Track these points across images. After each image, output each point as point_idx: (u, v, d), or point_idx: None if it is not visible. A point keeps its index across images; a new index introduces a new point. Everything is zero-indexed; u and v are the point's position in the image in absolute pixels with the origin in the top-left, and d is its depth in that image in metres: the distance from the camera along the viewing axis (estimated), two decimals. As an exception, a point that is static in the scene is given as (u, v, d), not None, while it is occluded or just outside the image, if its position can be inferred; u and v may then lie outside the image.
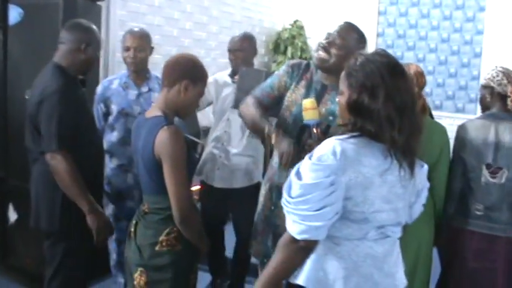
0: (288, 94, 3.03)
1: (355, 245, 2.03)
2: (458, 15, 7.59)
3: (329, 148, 1.94)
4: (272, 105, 3.09)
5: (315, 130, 2.71)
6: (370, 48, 6.73)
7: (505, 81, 3.18)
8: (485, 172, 3.13)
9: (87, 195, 3.03)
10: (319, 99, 2.90)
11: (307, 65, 3.09)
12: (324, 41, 2.94)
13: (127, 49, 3.72)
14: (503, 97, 3.19)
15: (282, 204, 2.00)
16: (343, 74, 2.08)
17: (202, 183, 4.36)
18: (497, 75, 3.22)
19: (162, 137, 2.47)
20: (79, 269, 3.22)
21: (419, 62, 7.79)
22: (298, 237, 1.93)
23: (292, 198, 1.94)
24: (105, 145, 3.76)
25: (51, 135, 2.97)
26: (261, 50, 7.75)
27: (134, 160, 2.83)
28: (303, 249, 1.98)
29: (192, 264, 2.68)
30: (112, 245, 3.90)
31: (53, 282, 3.16)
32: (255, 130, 3.06)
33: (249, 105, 3.05)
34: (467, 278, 3.24)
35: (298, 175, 1.95)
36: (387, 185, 1.99)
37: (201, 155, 6.18)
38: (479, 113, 7.26)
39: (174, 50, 5.93)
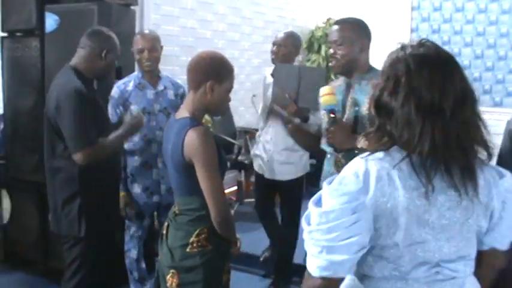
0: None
1: (395, 286, 1.69)
2: (494, 8, 7.49)
3: (351, 169, 1.66)
4: None
5: (331, 114, 2.80)
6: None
7: None
8: None
9: (117, 138, 3.37)
10: (346, 97, 2.98)
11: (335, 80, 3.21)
12: (329, 51, 3.02)
13: (141, 51, 3.81)
14: None
15: (303, 237, 1.69)
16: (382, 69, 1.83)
17: (256, 174, 4.77)
18: None
19: (191, 138, 2.47)
20: (95, 272, 3.35)
21: (455, 56, 7.70)
22: (316, 274, 1.62)
23: (311, 227, 1.65)
24: (127, 145, 3.88)
25: (77, 136, 3.10)
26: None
27: (165, 161, 2.86)
28: None
29: (223, 264, 2.69)
30: (128, 261, 4.02)
31: (70, 282, 3.29)
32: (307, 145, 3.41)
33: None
34: None
35: (318, 203, 1.67)
36: (435, 209, 1.63)
37: (237, 155, 6.28)
38: None
39: (208, 52, 6.01)
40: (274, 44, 4.45)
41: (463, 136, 1.63)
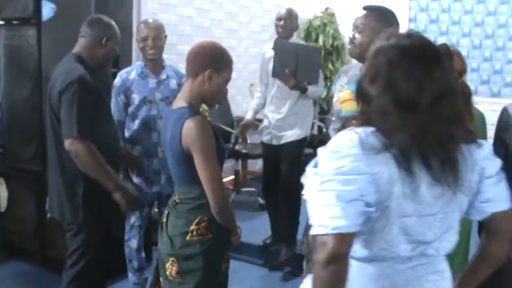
0: (335, 96, 3.14)
1: (380, 266, 1.71)
2: (492, -2, 7.48)
3: (345, 137, 1.64)
4: None
5: (354, 121, 2.71)
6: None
7: None
8: None
9: (112, 174, 3.14)
10: None
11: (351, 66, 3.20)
12: (350, 34, 2.99)
13: (145, 39, 3.78)
14: None
15: (303, 200, 1.65)
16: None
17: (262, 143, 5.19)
18: None
19: (189, 128, 2.47)
20: (97, 260, 3.33)
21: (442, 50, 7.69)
22: (330, 226, 1.53)
23: (312, 188, 1.62)
24: (127, 134, 3.89)
25: (72, 122, 3.04)
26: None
27: (163, 150, 2.86)
28: (336, 253, 1.54)
29: (223, 252, 2.70)
30: (128, 250, 4.03)
31: (71, 269, 3.27)
32: None
33: None
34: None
35: (316, 165, 1.65)
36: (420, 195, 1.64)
37: (234, 144, 6.28)
38: None
39: (206, 41, 5.98)
40: (280, 19, 4.83)
41: (441, 131, 1.63)
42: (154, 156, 3.87)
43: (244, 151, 6.53)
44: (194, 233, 2.59)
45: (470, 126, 1.76)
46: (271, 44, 4.79)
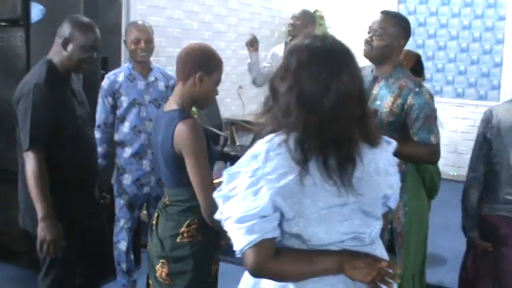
0: None
1: None
2: (480, 2, 7.55)
3: (250, 153, 1.74)
4: None
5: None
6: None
7: None
8: None
9: (46, 201, 2.82)
10: (370, 88, 3.04)
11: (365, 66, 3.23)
12: (367, 36, 3.07)
13: (137, 41, 3.78)
14: None
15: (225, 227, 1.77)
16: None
17: None
18: None
19: (181, 131, 2.48)
20: (69, 269, 3.14)
21: (440, 49, 7.77)
22: (245, 242, 1.67)
23: (222, 210, 1.75)
24: (117, 137, 3.89)
25: (25, 133, 2.87)
26: (280, 40, 7.79)
27: (154, 153, 2.86)
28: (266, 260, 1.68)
29: (213, 255, 2.70)
30: (117, 253, 4.02)
31: (44, 281, 3.10)
32: None
33: None
34: (496, 262, 3.24)
35: (219, 191, 1.79)
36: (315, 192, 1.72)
37: (223, 146, 6.27)
38: (502, 99, 7.28)
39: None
40: (292, 17, 5.07)
41: (341, 132, 1.70)
42: (144, 158, 3.88)
43: (233, 153, 6.53)
44: (184, 235, 2.59)
45: (375, 129, 1.85)
46: (282, 46, 5.02)
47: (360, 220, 1.78)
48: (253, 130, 6.46)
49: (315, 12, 7.99)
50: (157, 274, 2.63)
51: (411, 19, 7.77)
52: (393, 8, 7.82)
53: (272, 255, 1.70)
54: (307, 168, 1.68)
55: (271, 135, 1.75)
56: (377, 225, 1.85)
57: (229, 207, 1.72)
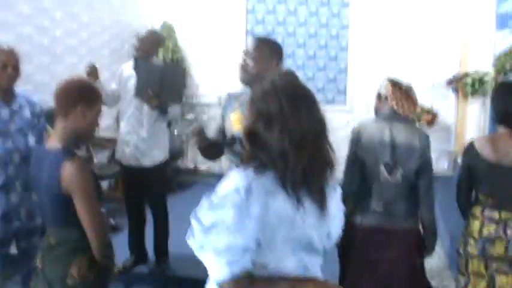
0: (227, 120, 3.28)
1: None
2: (324, 11, 7.92)
3: (230, 186, 1.85)
4: (221, 136, 3.36)
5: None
6: (241, 45, 6.88)
7: (389, 85, 3.38)
8: (383, 170, 3.31)
9: None
10: None
11: (243, 92, 3.26)
12: (241, 61, 3.17)
13: (3, 66, 3.53)
14: (387, 99, 3.38)
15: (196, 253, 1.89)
16: (248, 98, 2.04)
17: (119, 163, 5.07)
18: (383, 82, 3.44)
19: (69, 172, 2.42)
20: None
21: (288, 57, 8.03)
22: (226, 273, 1.81)
23: (198, 241, 1.86)
24: None
25: None
26: (130, 52, 7.67)
27: (35, 191, 2.71)
28: None
29: (105, 286, 2.68)
30: None
31: None
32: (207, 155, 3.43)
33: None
34: (368, 270, 3.42)
35: (198, 220, 1.86)
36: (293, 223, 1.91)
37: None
38: (348, 103, 7.65)
39: (47, 60, 5.74)
40: (137, 39, 4.83)
41: (320, 161, 1.91)
42: (12, 191, 3.63)
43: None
44: (74, 276, 2.52)
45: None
46: (130, 63, 4.83)
47: (307, 253, 1.96)
48: (109, 146, 6.30)
49: (164, 23, 7.97)
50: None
51: (259, 28, 8.08)
52: (242, 18, 8.02)
53: (248, 285, 1.84)
54: (286, 201, 1.87)
55: (247, 168, 1.89)
56: (320, 259, 2.06)
57: (210, 239, 1.82)
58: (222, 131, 3.34)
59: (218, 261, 1.82)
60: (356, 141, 3.39)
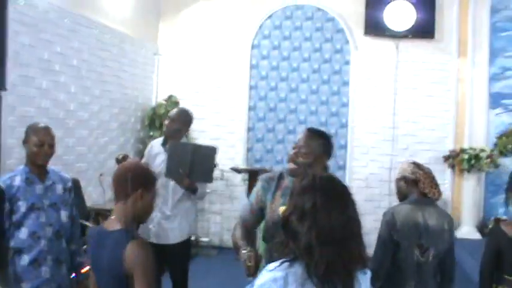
0: (268, 206, 3.28)
1: None
2: (328, 47, 8.44)
3: (268, 276, 2.01)
4: (255, 218, 3.42)
5: None
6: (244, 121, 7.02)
7: (416, 169, 3.56)
8: (416, 252, 3.44)
9: None
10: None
11: (281, 175, 3.33)
12: (291, 152, 3.23)
13: (41, 144, 3.64)
14: (417, 183, 3.54)
15: None
16: (291, 188, 2.20)
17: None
18: (409, 166, 3.62)
19: (132, 251, 2.52)
20: None
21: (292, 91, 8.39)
22: None
23: None
24: (13, 243, 3.61)
25: None
26: (136, 125, 7.81)
27: (93, 270, 2.77)
28: None
29: None
30: None
31: None
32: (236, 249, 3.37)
33: (236, 228, 3.44)
34: None
35: None
36: None
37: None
38: (349, 137, 7.79)
39: (60, 132, 5.82)
40: (168, 117, 4.89)
41: (347, 258, 1.99)
42: (43, 265, 3.64)
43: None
44: None
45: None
46: (160, 140, 4.94)
47: None
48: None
49: (169, 97, 8.14)
50: None
51: (264, 63, 8.35)
52: (246, 54, 8.41)
53: None
54: None
55: (283, 259, 2.03)
56: None
57: None
58: (257, 214, 3.39)
59: None
60: (392, 225, 3.50)
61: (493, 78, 8.10)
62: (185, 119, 4.93)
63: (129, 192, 2.66)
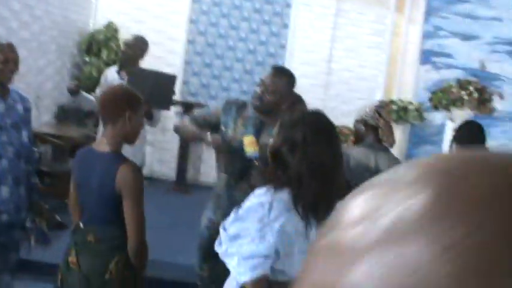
0: (229, 131, 3.33)
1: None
2: (265, 29, 8.31)
3: (256, 201, 2.13)
4: (204, 125, 3.46)
5: (256, 162, 2.99)
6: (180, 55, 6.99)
7: (377, 115, 3.70)
8: None
9: None
10: (258, 133, 3.22)
11: (244, 104, 3.41)
12: (257, 89, 3.28)
13: (5, 61, 3.54)
14: (375, 129, 3.69)
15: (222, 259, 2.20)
16: (279, 121, 2.32)
17: None
18: (371, 111, 3.74)
19: (125, 173, 2.59)
20: None
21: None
22: (248, 277, 2.07)
23: (225, 248, 2.15)
24: None
25: None
26: (73, 50, 7.64)
27: (81, 190, 2.81)
28: None
29: (142, 284, 2.82)
30: None
31: None
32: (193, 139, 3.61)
33: (186, 123, 3.55)
34: None
35: (226, 229, 2.17)
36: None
37: (39, 163, 5.98)
38: None
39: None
40: (124, 44, 5.07)
41: (330, 191, 2.13)
42: (3, 184, 3.61)
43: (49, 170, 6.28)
44: (113, 272, 2.64)
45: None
46: (114, 68, 4.96)
47: None
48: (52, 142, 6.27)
49: (109, 24, 7.97)
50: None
51: (201, 40, 8.30)
52: (183, 26, 8.26)
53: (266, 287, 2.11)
54: (300, 218, 2.11)
55: (269, 186, 2.16)
56: None
57: (236, 246, 2.11)
58: (208, 123, 3.47)
59: (242, 266, 2.07)
60: (345, 163, 3.66)
61: (426, 36, 8.39)
62: (142, 46, 5.04)
63: (118, 116, 2.69)
